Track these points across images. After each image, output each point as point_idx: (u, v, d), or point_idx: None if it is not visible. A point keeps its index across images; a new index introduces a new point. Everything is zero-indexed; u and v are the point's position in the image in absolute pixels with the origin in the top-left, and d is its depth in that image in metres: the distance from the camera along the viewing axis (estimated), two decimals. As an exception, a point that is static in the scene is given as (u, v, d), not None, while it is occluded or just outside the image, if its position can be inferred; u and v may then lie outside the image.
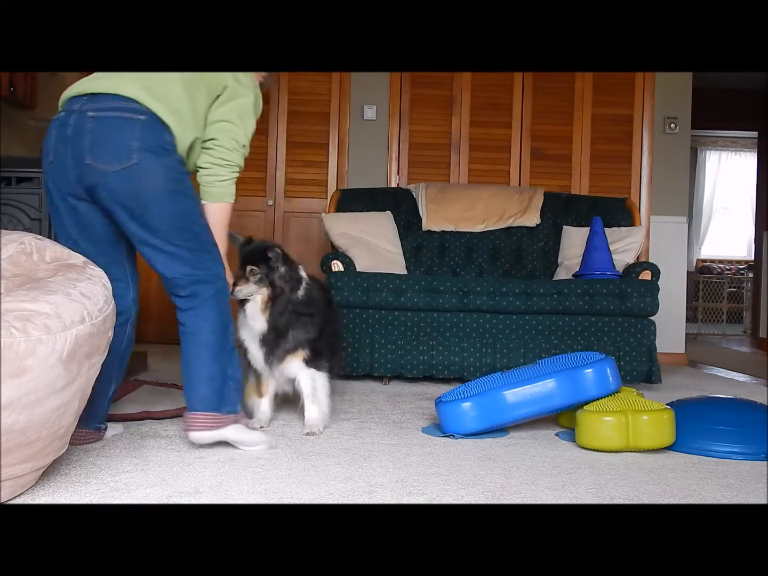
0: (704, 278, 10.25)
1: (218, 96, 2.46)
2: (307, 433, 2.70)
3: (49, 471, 2.08)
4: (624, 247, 4.44)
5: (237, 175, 2.51)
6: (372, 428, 2.87)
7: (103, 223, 2.38)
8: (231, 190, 2.51)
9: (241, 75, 2.51)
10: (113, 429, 2.63)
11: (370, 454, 2.47)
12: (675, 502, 2.03)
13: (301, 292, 2.81)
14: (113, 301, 2.02)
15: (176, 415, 2.94)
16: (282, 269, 2.77)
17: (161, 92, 2.33)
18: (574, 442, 2.66)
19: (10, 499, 1.85)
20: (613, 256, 4.30)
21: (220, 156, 2.45)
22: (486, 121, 5.38)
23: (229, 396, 2.40)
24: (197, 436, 2.37)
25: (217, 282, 2.40)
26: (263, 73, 2.72)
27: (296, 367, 2.82)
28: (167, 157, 2.30)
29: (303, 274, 2.86)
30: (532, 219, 4.70)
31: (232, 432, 2.40)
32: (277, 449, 2.48)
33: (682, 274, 5.52)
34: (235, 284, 2.69)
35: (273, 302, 2.76)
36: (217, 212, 2.49)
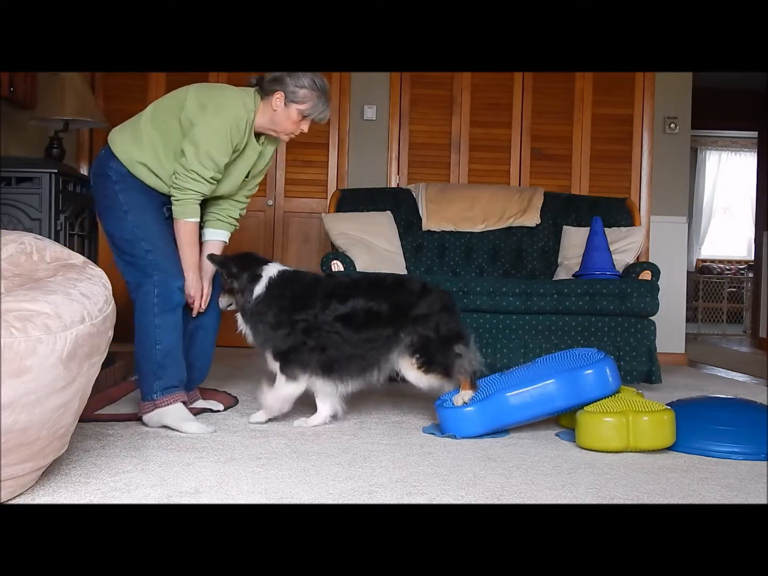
0: (704, 278, 10.25)
1: None
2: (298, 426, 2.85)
3: (49, 471, 2.08)
4: (624, 247, 4.44)
5: (189, 197, 2.75)
6: (372, 428, 2.87)
7: None
8: (183, 209, 2.77)
9: (211, 104, 2.72)
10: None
11: (370, 454, 2.47)
12: (675, 502, 2.03)
13: (257, 292, 2.80)
14: (113, 301, 2.02)
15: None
16: (224, 274, 2.87)
17: (132, 126, 2.84)
18: (574, 442, 2.66)
19: (10, 499, 1.85)
20: (613, 256, 4.29)
21: (174, 180, 2.77)
22: (486, 121, 5.37)
23: (146, 386, 2.78)
24: (143, 420, 2.79)
25: (145, 285, 2.77)
26: (302, 105, 2.77)
27: (272, 364, 2.84)
28: (106, 180, 2.81)
29: (267, 271, 2.83)
30: (532, 219, 4.70)
31: (166, 418, 2.73)
32: (211, 436, 2.65)
33: (682, 274, 5.52)
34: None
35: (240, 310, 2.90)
36: (176, 228, 2.80)
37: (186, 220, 2.77)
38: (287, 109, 2.77)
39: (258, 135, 2.89)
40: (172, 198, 2.78)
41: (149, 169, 2.79)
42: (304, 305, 2.78)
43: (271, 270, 2.85)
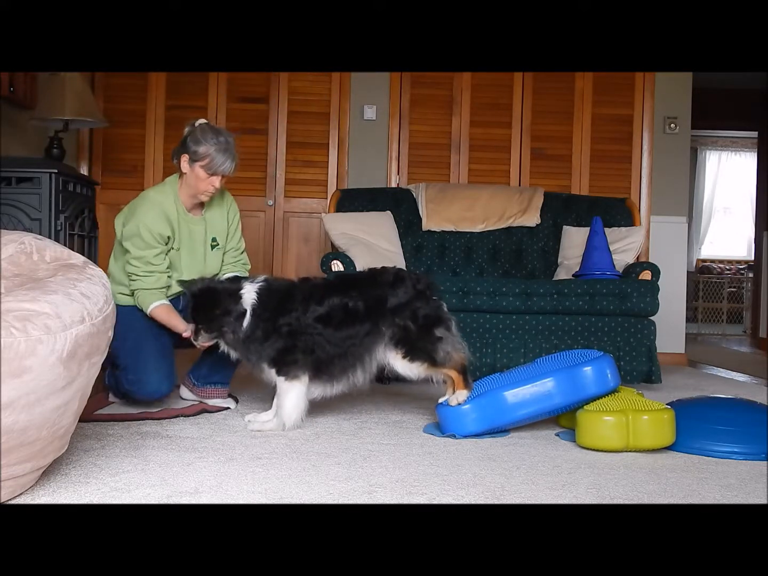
0: (704, 278, 10.25)
1: None
2: (248, 421, 2.87)
3: (49, 471, 2.08)
4: (624, 247, 4.44)
5: (138, 294, 3.00)
6: (372, 428, 2.87)
7: None
8: (141, 304, 3.01)
9: (127, 217, 3.00)
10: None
11: (370, 454, 2.47)
12: (675, 502, 2.03)
13: (245, 323, 2.78)
14: (113, 301, 2.02)
15: (176, 415, 2.94)
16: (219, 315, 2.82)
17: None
18: (574, 442, 2.66)
19: (10, 499, 1.85)
20: (613, 256, 4.30)
21: None
22: (486, 121, 5.37)
23: None
24: None
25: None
26: (203, 161, 2.95)
27: (270, 375, 2.84)
28: None
29: (246, 299, 2.79)
30: (532, 219, 4.70)
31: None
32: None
33: (682, 274, 5.52)
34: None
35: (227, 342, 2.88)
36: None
37: (148, 310, 3.00)
38: (192, 169, 2.97)
39: (201, 206, 3.12)
40: None
41: (124, 294, 3.07)
42: (285, 310, 2.79)
43: (249, 296, 2.81)
